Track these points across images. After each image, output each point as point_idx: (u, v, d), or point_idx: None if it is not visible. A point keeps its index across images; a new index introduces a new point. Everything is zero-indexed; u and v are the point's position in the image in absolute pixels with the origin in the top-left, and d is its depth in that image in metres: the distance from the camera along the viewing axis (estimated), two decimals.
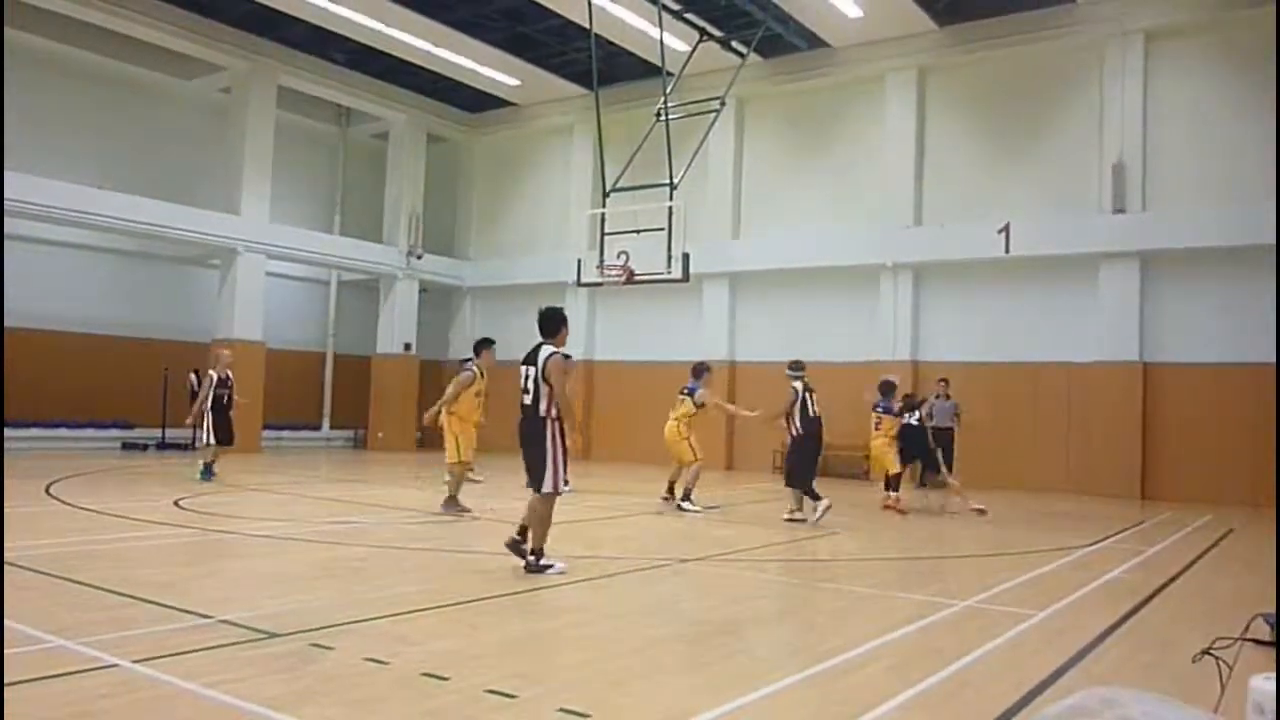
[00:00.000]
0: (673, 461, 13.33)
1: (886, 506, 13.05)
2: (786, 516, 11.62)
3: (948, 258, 19.24)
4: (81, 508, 10.62)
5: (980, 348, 18.75)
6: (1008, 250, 18.26)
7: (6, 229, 19.47)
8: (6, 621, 5.19)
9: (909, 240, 19.64)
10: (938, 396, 16.81)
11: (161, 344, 22.07)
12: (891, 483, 13.20)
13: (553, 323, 7.61)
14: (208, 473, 14.10)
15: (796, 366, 12.05)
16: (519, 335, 8.53)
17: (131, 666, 4.46)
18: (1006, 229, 18.24)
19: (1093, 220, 17.90)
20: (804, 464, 11.82)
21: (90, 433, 20.73)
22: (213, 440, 14.27)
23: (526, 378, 7.44)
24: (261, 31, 21.25)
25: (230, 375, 14.65)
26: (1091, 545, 10.34)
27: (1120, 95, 17.75)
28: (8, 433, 19.08)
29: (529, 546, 7.40)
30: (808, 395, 11.83)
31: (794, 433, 11.76)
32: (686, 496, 12.56)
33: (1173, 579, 8.20)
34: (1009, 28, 18.63)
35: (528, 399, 7.42)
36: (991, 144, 19.38)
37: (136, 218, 19.77)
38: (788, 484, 11.88)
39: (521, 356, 7.58)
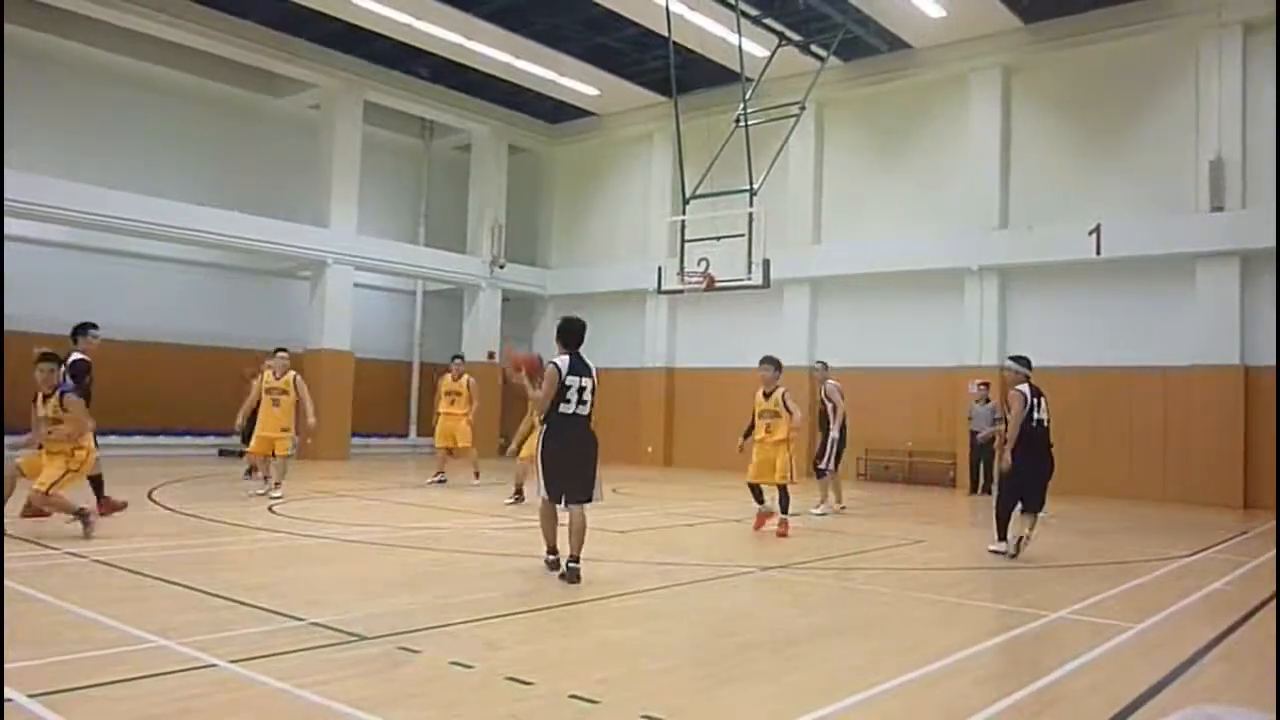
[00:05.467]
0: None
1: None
2: (993, 548, 9.47)
3: (1035, 260, 18.72)
4: (181, 512, 11.02)
5: (1071, 352, 18.14)
6: (1099, 252, 17.72)
7: (111, 245, 20.39)
8: (116, 622, 5.43)
9: (995, 243, 19.20)
10: (977, 401, 16.39)
11: (255, 355, 22.71)
12: None
13: (583, 333, 7.61)
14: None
15: (1023, 363, 9.75)
16: (598, 343, 8.52)
17: (228, 666, 4.61)
18: (1097, 230, 17.71)
19: (1189, 219, 17.27)
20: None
21: (189, 440, 21.47)
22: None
23: (583, 389, 7.41)
24: (348, 49, 21.79)
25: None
26: (1191, 556, 9.97)
27: (1218, 89, 17.11)
28: (114, 440, 19.91)
29: (557, 558, 7.54)
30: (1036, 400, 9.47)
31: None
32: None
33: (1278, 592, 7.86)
34: (1098, 22, 18.10)
35: (585, 409, 7.42)
36: (1080, 143, 18.85)
37: (231, 232, 20.41)
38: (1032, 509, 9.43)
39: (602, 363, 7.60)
